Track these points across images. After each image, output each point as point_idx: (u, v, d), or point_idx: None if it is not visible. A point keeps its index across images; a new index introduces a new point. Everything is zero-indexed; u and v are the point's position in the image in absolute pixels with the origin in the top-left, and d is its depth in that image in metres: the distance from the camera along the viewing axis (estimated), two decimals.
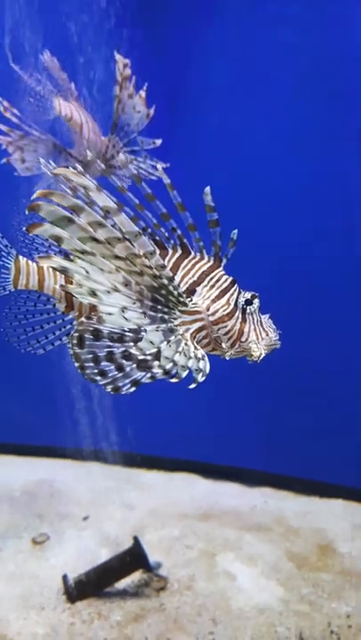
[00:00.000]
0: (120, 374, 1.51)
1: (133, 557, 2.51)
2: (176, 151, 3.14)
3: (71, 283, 1.37)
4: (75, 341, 1.52)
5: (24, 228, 1.91)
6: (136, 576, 2.61)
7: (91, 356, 1.52)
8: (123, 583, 2.57)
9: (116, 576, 2.50)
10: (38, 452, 3.63)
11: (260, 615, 2.43)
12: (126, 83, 2.23)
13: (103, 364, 1.53)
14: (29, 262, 1.92)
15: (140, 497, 3.30)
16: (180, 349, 1.47)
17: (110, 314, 1.40)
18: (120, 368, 1.51)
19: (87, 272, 1.34)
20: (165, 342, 1.45)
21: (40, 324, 1.92)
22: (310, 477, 3.49)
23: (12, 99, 2.47)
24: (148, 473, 3.64)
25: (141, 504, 3.21)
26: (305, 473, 3.50)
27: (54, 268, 1.35)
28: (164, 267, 1.39)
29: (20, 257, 1.93)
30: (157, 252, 1.41)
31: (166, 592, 2.55)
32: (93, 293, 1.36)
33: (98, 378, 1.52)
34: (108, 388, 1.53)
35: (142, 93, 2.27)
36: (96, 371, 1.53)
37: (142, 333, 1.46)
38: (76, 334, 1.51)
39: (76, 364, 1.54)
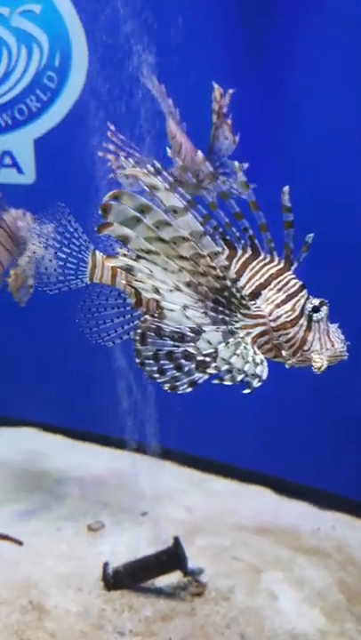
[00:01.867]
0: (178, 374, 1.53)
1: (170, 557, 2.51)
2: (266, 152, 3.13)
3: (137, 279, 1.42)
4: (137, 338, 1.58)
5: (95, 229, 2.07)
6: (176, 578, 2.61)
7: (151, 353, 1.56)
8: (161, 582, 2.59)
9: (152, 573, 2.53)
10: (114, 444, 3.77)
11: None
12: (223, 112, 2.29)
13: (163, 362, 1.56)
14: (105, 257, 2.04)
15: (203, 502, 3.29)
16: (237, 352, 1.46)
17: (172, 310, 1.42)
18: (179, 367, 1.53)
19: (151, 271, 1.38)
20: (223, 343, 1.44)
21: (111, 317, 2.03)
22: None
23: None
24: (219, 480, 3.61)
25: (201, 509, 3.20)
26: None
27: (120, 267, 1.43)
28: (227, 268, 1.40)
29: (97, 252, 2.07)
30: (222, 253, 1.44)
31: (202, 599, 2.52)
32: (157, 291, 1.40)
33: (157, 375, 1.57)
34: (166, 387, 1.57)
35: (229, 122, 2.33)
36: (155, 368, 1.57)
37: (203, 334, 1.47)
38: (140, 331, 1.57)
39: (137, 360, 1.60)
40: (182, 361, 1.51)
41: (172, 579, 2.61)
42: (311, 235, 1.53)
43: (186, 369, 1.50)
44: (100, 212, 1.27)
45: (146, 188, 1.28)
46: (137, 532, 2.95)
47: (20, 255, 2.60)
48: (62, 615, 2.39)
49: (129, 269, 1.36)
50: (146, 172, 1.29)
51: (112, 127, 2.43)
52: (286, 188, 1.44)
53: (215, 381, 1.47)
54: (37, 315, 3.62)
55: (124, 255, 1.37)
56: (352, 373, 3.22)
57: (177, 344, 1.48)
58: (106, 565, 2.59)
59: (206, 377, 1.48)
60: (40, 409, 4.01)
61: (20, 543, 2.81)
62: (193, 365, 1.45)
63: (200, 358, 1.44)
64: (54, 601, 2.46)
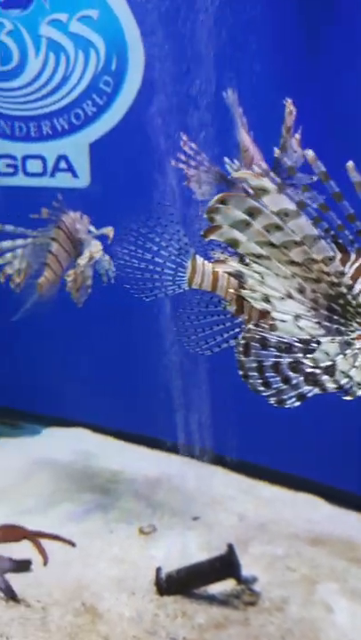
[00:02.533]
0: (286, 386, 1.45)
1: (224, 565, 2.48)
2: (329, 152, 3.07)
3: (244, 287, 1.36)
4: (240, 348, 1.50)
5: (200, 233, 1.99)
6: (229, 585, 2.57)
7: (256, 364, 1.48)
8: (214, 589, 2.56)
9: (206, 580, 2.50)
10: (165, 447, 3.77)
11: None
12: (292, 128, 2.27)
13: (268, 374, 1.48)
14: (205, 262, 1.96)
15: (255, 509, 3.24)
16: (356, 364, 1.36)
17: (283, 321, 1.36)
18: (286, 380, 1.45)
19: (262, 277, 1.31)
20: (342, 355, 1.36)
21: (210, 325, 1.96)
22: None
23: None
24: (270, 487, 3.56)
25: (253, 516, 3.15)
26: None
27: (229, 273, 1.36)
28: (343, 274, 1.31)
29: (197, 256, 1.98)
30: (337, 257, 1.33)
31: (255, 608, 2.48)
32: (267, 299, 1.34)
33: (261, 388, 1.48)
34: (272, 400, 1.49)
35: (297, 136, 2.31)
36: (260, 381, 1.49)
37: (313, 344, 1.40)
38: (243, 341, 1.49)
39: (240, 372, 1.52)
40: (290, 373, 1.43)
41: (224, 586, 2.57)
42: None
43: (294, 381, 1.42)
44: (205, 215, 1.21)
45: (252, 190, 1.21)
46: (189, 537, 2.93)
47: (79, 256, 2.64)
48: (115, 619, 2.39)
49: (239, 276, 1.30)
50: (255, 174, 1.21)
51: (184, 137, 2.41)
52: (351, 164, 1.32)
53: (346, 397, 1.37)
54: (90, 316, 3.67)
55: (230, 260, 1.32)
56: None
57: (284, 355, 1.40)
58: (159, 570, 2.58)
59: (317, 390, 1.39)
60: (91, 410, 4.06)
61: (72, 544, 2.83)
62: (302, 378, 1.37)
63: (310, 370, 1.37)
64: (107, 604, 2.46)
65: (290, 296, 1.30)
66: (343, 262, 1.46)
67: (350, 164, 1.38)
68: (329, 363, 1.33)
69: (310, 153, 1.36)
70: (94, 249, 2.57)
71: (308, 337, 1.35)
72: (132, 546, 2.86)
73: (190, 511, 3.18)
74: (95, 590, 2.52)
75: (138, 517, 3.10)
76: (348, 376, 1.33)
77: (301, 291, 1.31)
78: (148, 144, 3.25)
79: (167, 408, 3.60)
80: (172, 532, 2.99)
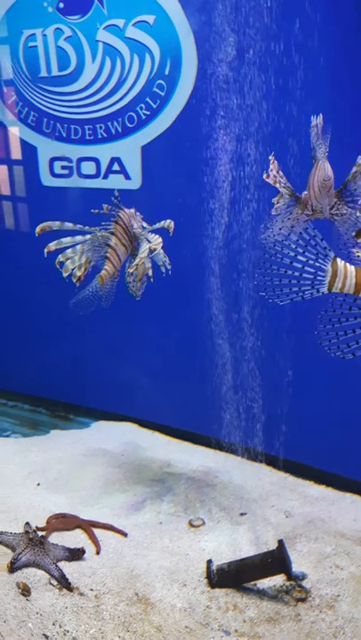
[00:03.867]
0: None
1: (275, 560, 2.52)
2: None
3: None
4: None
5: (353, 233, 1.98)
6: (278, 581, 2.62)
7: None
8: (264, 584, 2.61)
9: (256, 574, 2.55)
10: (211, 444, 3.82)
11: None
12: None
13: None
14: (347, 265, 1.96)
15: (301, 507, 3.27)
16: None
17: None
18: None
19: None
20: None
21: (353, 328, 1.95)
22: None
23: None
24: (316, 486, 3.57)
25: (300, 514, 3.18)
26: None
27: None
28: None
29: (338, 259, 1.97)
30: None
31: (305, 604, 2.52)
32: None
33: None
34: None
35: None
36: None
37: None
38: None
39: None
40: None
41: (274, 582, 2.62)
42: None
43: None
44: None
45: None
46: (237, 532, 2.99)
47: (134, 251, 2.74)
48: (167, 609, 2.45)
49: None
50: None
51: (271, 157, 2.42)
52: None
53: None
54: (141, 314, 3.76)
55: None
56: None
57: None
58: (210, 562, 2.65)
59: None
60: (137, 405, 4.15)
61: (124, 534, 2.92)
62: None
63: None
64: (159, 595, 2.53)
65: None
66: None
67: None
68: None
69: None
70: (155, 242, 2.67)
71: None
72: (182, 538, 2.93)
73: (237, 507, 3.23)
74: (147, 580, 2.59)
75: (187, 510, 3.17)
76: None
77: None
78: (199, 149, 3.32)
79: (214, 405, 3.66)
80: (220, 526, 3.04)
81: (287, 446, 3.66)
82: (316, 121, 2.33)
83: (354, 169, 2.30)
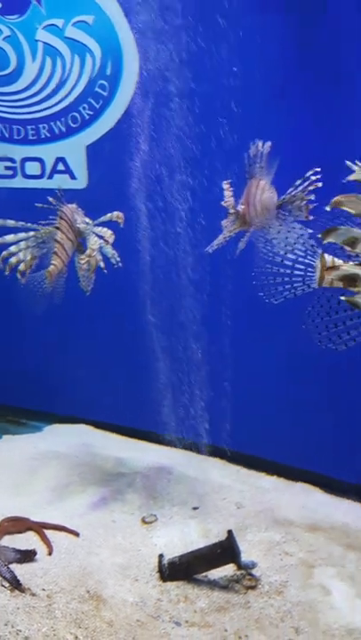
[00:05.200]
0: None
1: (224, 550, 2.57)
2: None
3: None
4: None
5: (319, 236, 2.05)
6: (229, 571, 2.66)
7: None
8: (215, 575, 2.65)
9: (206, 565, 2.58)
10: (165, 442, 3.85)
11: (348, 636, 2.32)
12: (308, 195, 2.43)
13: None
14: (335, 260, 1.99)
15: (252, 498, 3.33)
16: None
17: None
18: None
19: None
20: None
21: (343, 320, 1.97)
22: None
23: None
24: (267, 477, 3.65)
25: (251, 505, 3.24)
26: None
27: (339, 280, 1.37)
28: None
29: (326, 255, 2.01)
30: None
31: (255, 592, 2.57)
32: None
33: None
34: None
35: (308, 205, 2.43)
36: None
37: None
38: None
39: None
40: None
41: (225, 572, 2.66)
42: None
43: None
44: (329, 207, 1.26)
45: None
46: (189, 526, 3.02)
47: (79, 246, 2.78)
48: (119, 605, 2.46)
49: (353, 279, 1.34)
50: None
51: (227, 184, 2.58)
52: None
53: None
54: (89, 314, 3.76)
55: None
56: None
57: None
58: (161, 557, 2.67)
59: None
60: (90, 407, 4.14)
61: (76, 534, 2.91)
62: None
63: None
64: (111, 591, 2.53)
65: None
66: None
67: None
68: None
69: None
70: (107, 235, 2.73)
71: None
72: (135, 535, 2.95)
73: (190, 501, 3.27)
74: (99, 578, 2.59)
75: (140, 508, 3.18)
76: None
77: None
78: (145, 148, 3.36)
79: (166, 402, 3.68)
80: (172, 521, 3.08)
81: (239, 439, 3.72)
82: (263, 148, 2.49)
83: (291, 190, 2.42)
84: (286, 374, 3.57)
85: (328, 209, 1.25)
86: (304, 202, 2.38)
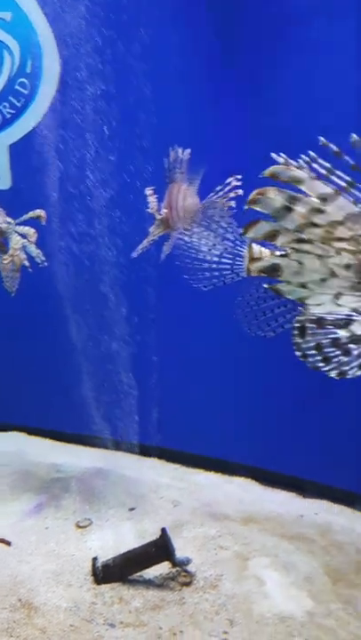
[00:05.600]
0: (347, 358, 1.52)
1: (158, 549, 2.55)
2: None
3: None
4: (296, 332, 1.57)
5: (237, 231, 2.08)
6: (165, 569, 2.64)
7: (313, 344, 1.55)
8: (150, 574, 2.62)
9: (141, 565, 2.56)
10: (101, 444, 3.81)
11: (281, 623, 2.35)
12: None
13: (327, 350, 1.55)
14: (262, 249, 2.06)
15: (189, 495, 3.33)
16: None
17: (319, 304, 1.41)
18: (347, 352, 1.51)
19: (300, 263, 1.35)
20: None
21: (271, 308, 2.03)
22: None
23: None
24: (205, 474, 3.67)
25: (187, 502, 3.24)
26: None
27: (262, 270, 1.39)
28: None
29: (254, 244, 2.07)
30: None
31: (190, 588, 2.56)
32: (303, 286, 1.38)
33: (321, 365, 1.56)
34: (333, 374, 1.56)
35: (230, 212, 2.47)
36: (319, 358, 1.56)
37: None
38: (297, 324, 1.56)
39: (298, 354, 1.59)
40: (351, 345, 1.48)
41: (160, 570, 2.64)
42: None
43: (355, 352, 1.48)
44: (246, 207, 1.26)
45: (287, 181, 1.26)
46: (125, 527, 2.98)
47: (2, 246, 2.71)
48: (52, 611, 2.40)
49: (274, 269, 1.34)
50: (289, 167, 1.28)
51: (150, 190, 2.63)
52: None
53: None
54: (15, 316, 3.67)
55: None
56: None
57: (342, 330, 1.43)
58: (95, 560, 2.62)
59: None
60: (23, 413, 4.04)
61: (7, 543, 2.83)
62: None
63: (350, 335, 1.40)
64: (43, 598, 2.47)
65: (333, 274, 1.35)
66: None
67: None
68: None
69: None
70: (29, 233, 2.68)
71: (349, 312, 1.40)
72: (69, 540, 2.88)
73: (127, 502, 3.23)
74: (31, 586, 2.52)
75: (75, 513, 3.12)
76: None
77: (348, 267, 1.34)
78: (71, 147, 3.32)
79: (99, 405, 3.64)
80: (108, 524, 3.03)
81: (175, 438, 3.72)
82: (183, 155, 2.56)
83: (212, 195, 2.48)
84: (213, 370, 3.60)
85: (246, 208, 1.27)
86: (225, 207, 2.45)
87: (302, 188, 1.26)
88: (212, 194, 2.54)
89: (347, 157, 1.47)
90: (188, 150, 2.58)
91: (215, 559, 2.73)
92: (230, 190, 2.48)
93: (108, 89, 3.23)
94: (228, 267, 2.15)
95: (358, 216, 1.28)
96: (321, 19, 3.01)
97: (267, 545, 2.85)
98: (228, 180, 2.48)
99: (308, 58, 3.07)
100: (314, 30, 3.03)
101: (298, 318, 1.53)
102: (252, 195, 1.25)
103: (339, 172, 1.54)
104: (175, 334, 3.53)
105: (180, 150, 2.60)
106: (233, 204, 2.43)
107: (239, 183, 2.44)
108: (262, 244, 2.11)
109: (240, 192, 2.40)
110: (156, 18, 3.24)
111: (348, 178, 1.53)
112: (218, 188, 2.51)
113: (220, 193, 2.50)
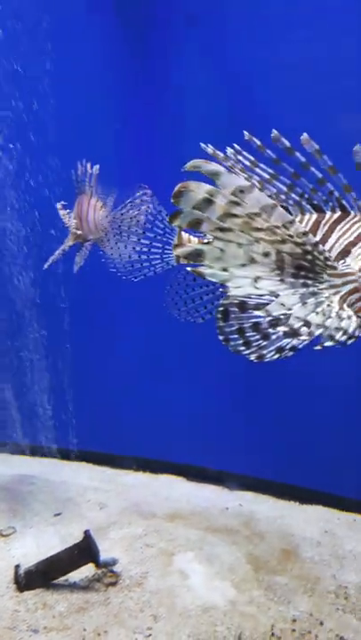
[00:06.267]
0: (265, 342, 1.59)
1: (81, 551, 2.54)
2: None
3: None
4: (219, 315, 1.63)
5: (166, 220, 2.08)
6: (90, 571, 2.64)
7: (236, 327, 1.62)
8: (75, 577, 2.61)
9: (65, 569, 2.54)
10: (25, 451, 3.75)
11: (204, 614, 2.40)
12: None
13: (248, 334, 1.61)
14: (191, 238, 2.08)
15: (117, 497, 3.34)
16: (318, 310, 1.46)
17: (239, 287, 1.43)
18: (266, 336, 1.58)
19: (222, 250, 1.38)
20: (299, 304, 1.45)
21: (200, 295, 2.06)
22: (293, 483, 3.42)
23: None
24: (132, 474, 3.69)
25: (114, 503, 3.25)
26: (288, 478, 3.43)
27: (185, 256, 1.41)
28: (306, 234, 1.40)
29: (183, 233, 2.10)
30: (306, 218, 1.45)
31: (116, 587, 2.57)
32: (224, 270, 1.41)
33: (242, 348, 1.62)
34: (252, 357, 1.62)
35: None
36: (241, 342, 1.62)
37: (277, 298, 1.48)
38: (221, 308, 1.62)
39: (221, 337, 1.65)
40: (270, 330, 1.56)
41: (86, 572, 2.63)
42: None
43: (273, 337, 1.55)
44: (171, 200, 1.30)
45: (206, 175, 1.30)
46: (50, 533, 2.95)
47: None
48: None
49: (198, 255, 1.37)
50: (205, 161, 1.31)
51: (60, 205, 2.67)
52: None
53: (316, 347, 1.45)
54: None
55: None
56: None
57: (262, 314, 1.45)
58: (17, 567, 2.58)
59: (296, 342, 1.51)
60: None
61: None
62: (281, 332, 1.42)
63: (269, 318, 1.47)
64: None
65: (252, 261, 1.40)
66: (317, 222, 1.63)
67: (305, 136, 1.53)
68: (282, 312, 1.43)
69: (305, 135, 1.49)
70: None
71: (266, 295, 1.46)
72: None
73: (52, 508, 3.20)
74: None
75: None
76: (304, 321, 1.42)
77: (266, 254, 1.40)
78: None
79: (25, 413, 3.59)
80: (32, 531, 2.98)
81: (100, 440, 3.72)
82: (92, 170, 2.61)
83: (121, 208, 2.54)
84: (136, 369, 3.62)
85: (172, 202, 1.33)
86: (136, 220, 2.49)
87: (219, 181, 1.32)
88: (121, 206, 2.60)
89: (269, 151, 1.63)
90: (97, 166, 2.62)
91: (141, 557, 2.75)
92: (141, 203, 2.53)
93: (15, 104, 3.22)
94: (158, 256, 2.19)
95: (273, 208, 1.34)
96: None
97: (191, 539, 2.90)
98: (137, 194, 2.53)
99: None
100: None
101: (221, 302, 1.60)
102: (176, 188, 1.30)
103: (262, 165, 1.67)
104: (92, 330, 3.52)
105: (88, 164, 2.65)
106: (142, 218, 2.49)
107: (148, 198, 2.50)
108: (191, 233, 2.18)
109: (150, 206, 2.45)
110: (65, 33, 3.24)
111: (271, 170, 1.65)
112: (127, 201, 2.57)
113: (129, 206, 2.57)
